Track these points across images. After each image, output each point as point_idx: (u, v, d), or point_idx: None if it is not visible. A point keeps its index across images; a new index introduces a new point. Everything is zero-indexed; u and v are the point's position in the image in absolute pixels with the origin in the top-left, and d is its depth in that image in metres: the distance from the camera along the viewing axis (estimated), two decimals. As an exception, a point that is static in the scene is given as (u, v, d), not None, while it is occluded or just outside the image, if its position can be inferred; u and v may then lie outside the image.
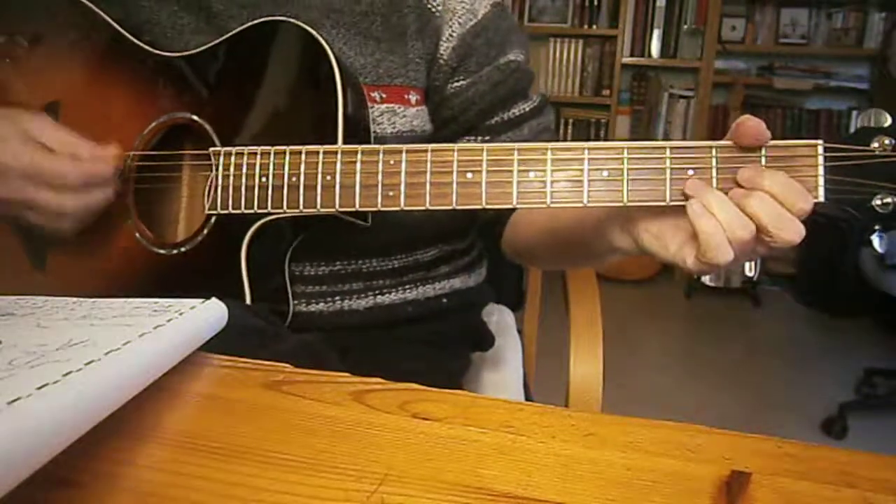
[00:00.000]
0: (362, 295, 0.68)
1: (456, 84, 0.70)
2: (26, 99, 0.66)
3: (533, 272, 1.00)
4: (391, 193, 0.53)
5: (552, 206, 0.50)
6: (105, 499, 0.27)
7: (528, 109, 0.73)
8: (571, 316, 0.79)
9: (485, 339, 0.81)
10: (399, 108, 0.67)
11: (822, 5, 2.94)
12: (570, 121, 3.15)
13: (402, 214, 0.55)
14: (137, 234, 0.62)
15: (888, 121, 0.45)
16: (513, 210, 0.71)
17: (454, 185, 0.52)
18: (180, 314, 0.37)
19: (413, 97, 0.68)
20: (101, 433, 0.28)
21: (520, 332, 0.99)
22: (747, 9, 3.00)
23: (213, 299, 0.40)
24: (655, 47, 3.05)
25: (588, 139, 3.14)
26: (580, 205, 0.49)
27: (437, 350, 0.73)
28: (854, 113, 2.93)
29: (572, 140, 3.26)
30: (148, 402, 0.32)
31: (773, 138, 0.47)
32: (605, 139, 3.11)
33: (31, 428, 0.24)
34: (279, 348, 0.50)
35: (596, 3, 3.04)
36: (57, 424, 0.25)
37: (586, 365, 0.74)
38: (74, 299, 0.43)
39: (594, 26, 3.06)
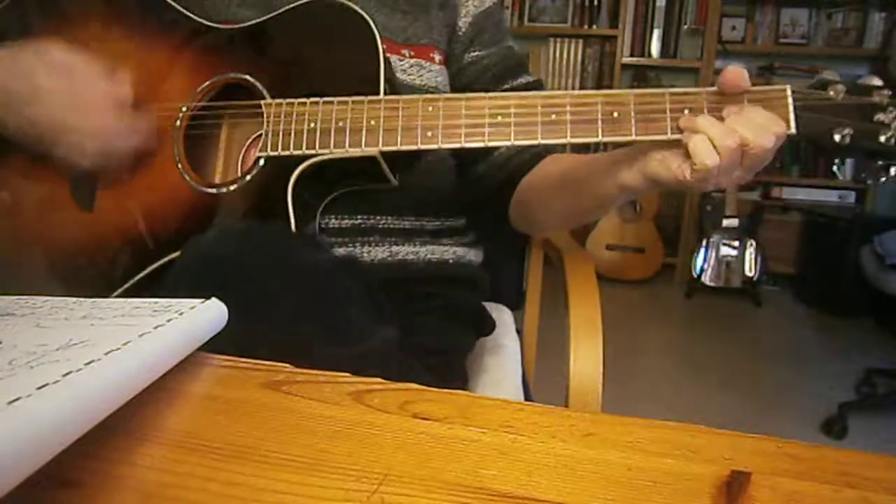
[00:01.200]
0: (379, 244, 0.75)
1: (473, 54, 0.83)
2: None
3: (533, 272, 1.00)
4: (430, 134, 0.60)
5: (571, 140, 0.57)
6: (105, 499, 0.27)
7: (532, 80, 0.85)
8: (571, 316, 0.79)
9: (486, 323, 0.87)
10: (425, 62, 0.78)
11: (822, 5, 2.94)
12: (570, 121, 3.15)
13: (413, 182, 0.64)
14: (187, 176, 0.67)
15: (838, 78, 0.57)
16: (519, 179, 0.78)
17: (486, 127, 0.59)
18: (180, 314, 0.37)
19: (437, 56, 0.79)
20: (101, 433, 0.28)
21: (519, 332, 0.99)
22: (747, 9, 3.00)
23: (213, 299, 0.40)
24: (655, 47, 3.06)
25: (588, 139, 3.15)
26: (596, 139, 0.56)
27: (446, 323, 0.79)
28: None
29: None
30: (148, 402, 0.32)
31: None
32: (605, 139, 3.12)
33: (31, 428, 0.24)
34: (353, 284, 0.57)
35: (596, 3, 3.05)
36: (57, 424, 0.25)
37: (586, 365, 0.75)
38: (74, 299, 0.43)
39: (594, 26, 3.07)
